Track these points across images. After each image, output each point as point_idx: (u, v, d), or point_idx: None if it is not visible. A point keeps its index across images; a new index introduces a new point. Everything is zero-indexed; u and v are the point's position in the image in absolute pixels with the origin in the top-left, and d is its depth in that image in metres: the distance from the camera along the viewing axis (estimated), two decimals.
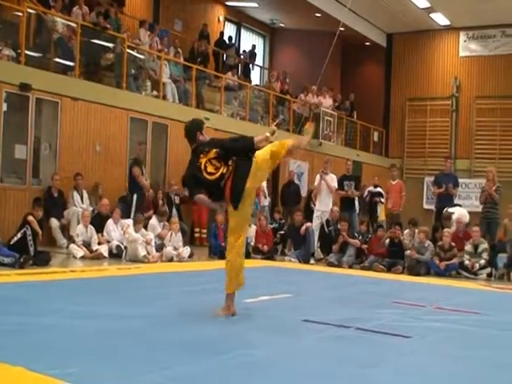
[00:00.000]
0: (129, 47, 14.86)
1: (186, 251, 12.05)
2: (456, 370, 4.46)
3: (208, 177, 5.86)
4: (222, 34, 22.13)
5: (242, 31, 24.84)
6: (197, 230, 15.35)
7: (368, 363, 4.44)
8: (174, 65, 16.57)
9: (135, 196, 12.89)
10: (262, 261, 12.74)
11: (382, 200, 15.77)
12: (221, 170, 5.84)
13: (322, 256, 13.63)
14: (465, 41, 24.85)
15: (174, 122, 15.36)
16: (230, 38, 22.87)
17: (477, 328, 6.23)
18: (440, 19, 23.99)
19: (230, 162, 5.88)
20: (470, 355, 4.97)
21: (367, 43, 25.70)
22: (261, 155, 5.97)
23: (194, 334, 5.16)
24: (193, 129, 6.28)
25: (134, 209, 12.70)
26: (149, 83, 15.38)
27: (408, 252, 12.23)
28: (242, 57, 22.82)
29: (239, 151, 5.95)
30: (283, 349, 4.79)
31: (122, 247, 11.49)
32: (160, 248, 11.78)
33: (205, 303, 6.73)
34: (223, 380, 3.86)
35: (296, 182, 17.87)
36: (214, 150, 5.89)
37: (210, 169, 5.86)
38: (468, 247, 12.11)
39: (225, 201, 6.04)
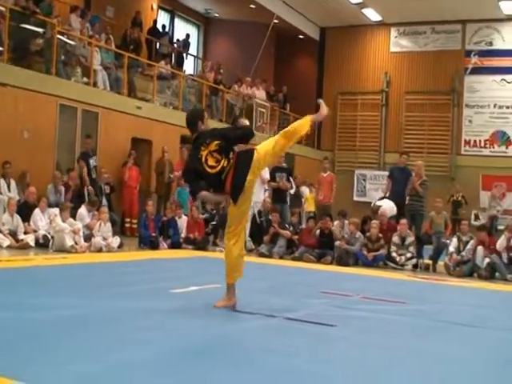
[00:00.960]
0: (59, 33, 14.52)
1: (115, 241, 11.90)
2: (377, 359, 4.54)
3: (209, 170, 5.79)
4: (155, 22, 21.84)
5: (176, 20, 24.61)
6: (127, 220, 15.19)
7: (291, 352, 4.48)
8: (105, 52, 16.28)
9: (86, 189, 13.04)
10: (193, 251, 12.71)
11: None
12: (222, 163, 5.76)
13: (253, 247, 13.67)
14: (396, 37, 25.35)
15: (105, 109, 15.16)
16: (164, 26, 22.61)
17: (401, 317, 6.37)
18: (372, 15, 24.39)
19: (230, 155, 5.81)
20: (393, 344, 5.08)
21: (301, 36, 25.88)
22: (264, 147, 5.94)
23: (123, 323, 5.12)
24: (194, 118, 6.15)
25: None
26: (79, 70, 15.06)
27: (337, 243, 12.42)
28: (175, 46, 22.62)
29: (241, 139, 5.94)
30: (209, 338, 4.79)
31: (49, 237, 11.26)
32: (88, 238, 11.60)
33: (133, 293, 6.66)
34: (157, 369, 3.84)
35: None
36: (216, 142, 5.79)
37: (211, 162, 5.77)
38: (395, 239, 12.39)
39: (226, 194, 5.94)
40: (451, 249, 11.94)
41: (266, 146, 5.99)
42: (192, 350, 4.36)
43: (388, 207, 13.19)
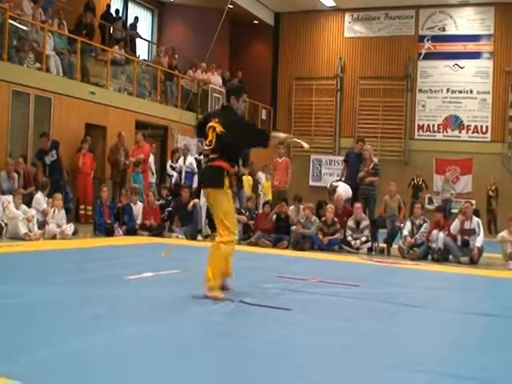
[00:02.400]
0: (11, 17, 14.21)
1: (69, 228, 11.75)
2: (333, 341, 4.60)
3: (205, 142, 6.11)
4: (108, 6, 21.53)
5: (130, 5, 24.27)
6: (82, 207, 15.01)
7: (249, 335, 4.51)
8: (58, 37, 16.00)
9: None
10: (149, 237, 12.64)
11: None
12: (211, 150, 6.04)
13: (209, 232, 13.64)
14: (349, 22, 25.45)
15: (58, 95, 14.94)
16: (118, 11, 22.29)
17: (356, 300, 6.46)
18: (326, 0, 24.43)
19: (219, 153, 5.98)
20: (348, 326, 5.15)
21: (255, 21, 25.80)
22: None
23: (77, 310, 5.08)
24: (230, 90, 6.38)
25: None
26: (32, 55, 14.77)
27: (294, 227, 12.49)
28: (126, 30, 22.29)
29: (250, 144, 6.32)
30: (167, 323, 4.79)
31: (3, 224, 11.07)
32: (42, 225, 11.44)
33: (87, 280, 6.60)
34: (111, 355, 3.84)
35: None
36: (221, 129, 5.95)
37: (209, 137, 6.02)
38: (350, 223, 12.51)
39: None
40: (405, 232, 12.11)
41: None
42: (146, 336, 4.35)
43: (343, 190, 13.29)
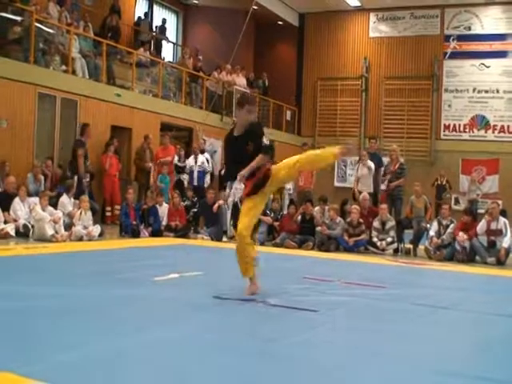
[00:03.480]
0: (37, 21, 14.37)
1: (95, 230, 11.84)
2: (360, 343, 4.57)
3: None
4: (134, 9, 21.70)
5: (155, 7, 24.43)
6: (108, 208, 15.13)
7: (274, 337, 4.50)
8: (83, 39, 16.15)
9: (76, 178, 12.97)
10: (174, 239, 12.69)
11: None
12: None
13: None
14: (374, 22, 25.36)
15: (84, 97, 15.07)
16: (146, 14, 22.48)
17: (382, 301, 6.41)
18: (351, 0, 24.37)
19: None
20: (376, 328, 5.12)
21: (280, 22, 25.81)
22: (282, 166, 6.20)
23: (107, 312, 5.12)
24: (239, 98, 6.70)
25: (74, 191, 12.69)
26: (58, 58, 14.94)
27: (319, 228, 12.47)
28: (154, 33, 22.47)
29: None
30: (193, 325, 4.80)
31: (29, 226, 11.20)
32: (69, 227, 11.54)
33: (115, 282, 6.65)
34: (143, 357, 3.86)
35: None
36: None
37: None
38: (376, 224, 12.45)
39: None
40: (432, 233, 12.02)
41: (284, 165, 6.18)
42: (172, 338, 4.37)
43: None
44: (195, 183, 15.81)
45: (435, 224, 12.15)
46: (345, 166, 24.76)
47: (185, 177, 16.29)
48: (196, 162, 16.06)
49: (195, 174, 16.00)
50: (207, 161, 16.38)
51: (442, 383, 3.70)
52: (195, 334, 4.55)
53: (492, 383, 3.71)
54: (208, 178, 16.22)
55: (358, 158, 15.00)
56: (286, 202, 17.05)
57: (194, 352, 4.03)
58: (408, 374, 3.82)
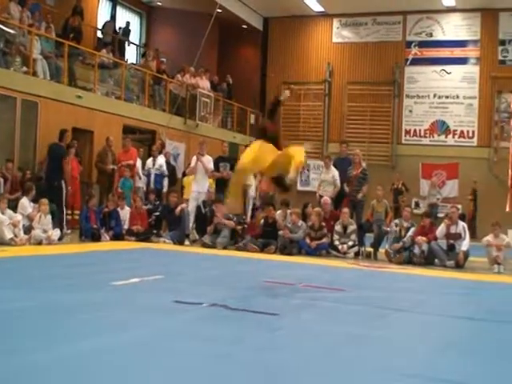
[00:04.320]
0: None
1: (55, 234, 11.69)
2: (318, 346, 4.60)
3: None
4: (96, 10, 21.51)
5: (118, 8, 24.26)
6: (69, 212, 14.93)
7: (233, 341, 4.51)
8: (45, 40, 15.96)
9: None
10: (136, 242, 12.62)
11: None
12: None
13: (197, 237, 13.66)
14: (338, 27, 25.55)
15: (45, 99, 14.89)
16: (112, 16, 22.34)
17: (342, 304, 6.47)
18: (314, 5, 24.54)
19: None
20: (333, 331, 5.15)
21: (244, 26, 25.84)
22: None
23: (64, 316, 5.07)
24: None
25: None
26: (19, 59, 14.73)
27: (281, 232, 12.50)
28: (117, 34, 22.30)
29: None
30: (151, 330, 4.78)
31: None
32: (28, 230, 11.38)
33: (73, 286, 6.58)
34: (97, 362, 3.84)
35: (172, 163, 17.70)
36: None
37: None
38: (337, 227, 12.54)
39: None
40: (392, 236, 12.17)
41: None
42: (131, 342, 4.35)
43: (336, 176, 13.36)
44: (152, 186, 15.60)
45: (396, 226, 12.29)
46: (308, 169, 24.85)
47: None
48: (154, 165, 15.88)
49: (152, 177, 15.81)
50: (167, 163, 16.24)
51: None
52: (154, 337, 4.53)
53: None
54: (166, 181, 16.00)
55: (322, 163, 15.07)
56: (250, 206, 17.00)
57: (152, 356, 4.01)
58: (364, 377, 3.86)
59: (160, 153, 16.67)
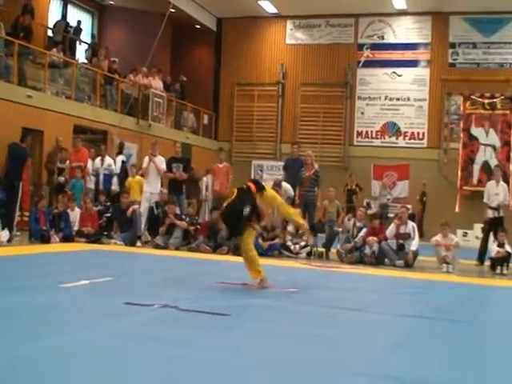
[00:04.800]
0: None
1: (4, 235, 11.46)
2: (269, 346, 4.61)
3: None
4: (47, 8, 21.17)
5: (70, 7, 23.92)
6: (18, 213, 14.65)
7: (183, 342, 4.49)
8: None
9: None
10: (86, 244, 12.45)
11: None
12: None
13: (149, 238, 13.55)
14: (291, 29, 25.69)
15: None
16: (64, 16, 22.01)
17: (293, 304, 6.51)
18: (268, 7, 24.61)
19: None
20: (285, 330, 5.17)
21: (198, 26, 25.76)
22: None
23: (10, 318, 4.99)
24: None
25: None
26: None
27: None
28: (68, 33, 21.98)
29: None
30: (100, 332, 4.72)
31: None
32: None
33: (21, 288, 6.46)
34: (41, 364, 3.77)
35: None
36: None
37: None
38: (290, 228, 12.60)
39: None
40: (344, 236, 12.29)
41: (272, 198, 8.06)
42: (79, 344, 4.29)
43: (286, 189, 13.34)
44: (101, 187, 15.36)
45: (349, 225, 12.41)
46: (261, 170, 24.91)
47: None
48: (102, 165, 15.61)
49: (101, 177, 15.51)
50: (118, 163, 16.04)
51: (347, 383, 3.78)
52: (104, 339, 4.48)
53: (396, 382, 3.82)
54: (115, 180, 15.75)
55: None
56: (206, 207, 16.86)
57: (102, 358, 3.97)
58: (314, 376, 3.89)
59: (120, 153, 16.50)
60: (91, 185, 15.41)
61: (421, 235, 13.70)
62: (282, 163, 17.23)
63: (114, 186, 15.51)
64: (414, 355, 4.57)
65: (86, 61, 21.90)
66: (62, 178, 15.05)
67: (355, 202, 18.88)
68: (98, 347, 4.24)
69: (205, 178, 17.18)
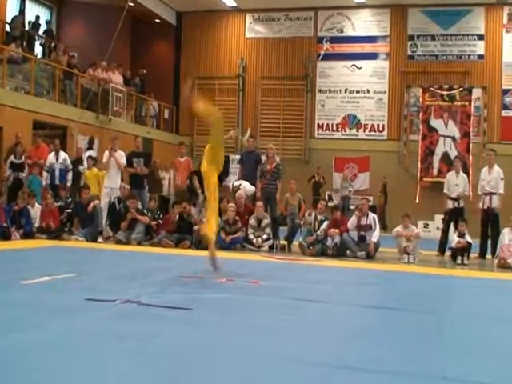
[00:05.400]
0: None
1: None
2: (232, 339, 4.65)
3: None
4: (5, 3, 20.84)
5: (27, 2, 23.54)
6: None
7: (146, 336, 4.50)
8: None
9: None
10: (47, 240, 12.34)
11: None
12: None
13: (111, 234, 13.48)
14: (251, 23, 25.73)
15: None
16: (22, 11, 21.68)
17: (255, 297, 6.56)
18: (227, 0, 24.63)
19: None
20: (247, 323, 5.22)
21: (157, 20, 25.63)
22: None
23: None
24: None
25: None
26: None
27: (196, 227, 12.50)
28: (26, 28, 21.66)
29: None
30: (62, 329, 4.70)
31: None
32: None
33: None
34: (2, 360, 3.76)
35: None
36: None
37: None
38: (252, 221, 12.65)
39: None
40: (306, 228, 12.39)
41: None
42: (40, 341, 4.27)
43: (248, 188, 13.39)
44: (56, 182, 15.07)
45: (311, 218, 12.51)
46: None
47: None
48: (57, 160, 15.26)
49: (57, 172, 15.09)
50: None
51: (304, 374, 3.84)
52: (65, 336, 4.45)
53: (355, 372, 3.88)
54: (70, 176, 15.51)
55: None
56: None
57: (64, 355, 3.96)
58: (274, 367, 3.93)
59: (90, 149, 16.31)
60: (47, 180, 15.08)
61: (383, 227, 13.95)
62: None
63: (69, 182, 15.31)
64: (371, 345, 4.63)
65: (44, 55, 21.60)
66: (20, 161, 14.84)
67: (322, 195, 19.04)
68: (58, 344, 4.22)
69: (166, 173, 17.17)
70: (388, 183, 22.71)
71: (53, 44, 22.02)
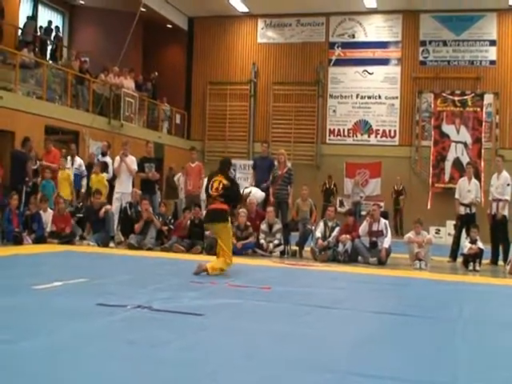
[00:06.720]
0: None
1: None
2: (244, 344, 4.64)
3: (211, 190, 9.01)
4: (18, 8, 20.99)
5: (40, 8, 23.72)
6: None
7: (158, 342, 4.50)
8: None
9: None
10: (59, 245, 12.36)
11: None
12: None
13: (122, 239, 13.50)
14: (262, 28, 25.74)
15: None
16: (33, 16, 21.80)
17: (266, 303, 6.54)
18: (239, 6, 24.64)
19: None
20: (259, 328, 5.21)
21: (169, 26, 25.71)
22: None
23: None
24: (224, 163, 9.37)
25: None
26: None
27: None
28: (38, 33, 21.81)
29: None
30: (73, 334, 4.70)
31: None
32: None
33: None
34: (15, 368, 3.74)
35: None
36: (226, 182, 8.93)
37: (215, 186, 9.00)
38: (263, 226, 12.64)
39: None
40: (318, 234, 12.35)
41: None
42: (52, 347, 4.28)
43: (258, 195, 13.40)
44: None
45: (321, 225, 12.48)
46: (234, 169, 24.90)
47: None
48: (73, 165, 15.45)
49: (71, 178, 15.16)
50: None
51: (317, 380, 3.82)
52: (77, 341, 4.45)
53: (368, 378, 3.87)
54: (85, 181, 15.58)
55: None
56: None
57: (76, 360, 3.96)
58: (286, 373, 3.91)
59: (105, 154, 16.37)
60: None
61: (399, 233, 13.82)
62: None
63: (84, 188, 15.35)
64: (384, 351, 4.63)
65: (55, 60, 21.71)
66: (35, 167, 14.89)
67: (333, 202, 18.97)
68: (69, 349, 4.23)
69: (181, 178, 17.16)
70: (402, 189, 22.45)
71: (64, 49, 22.14)
